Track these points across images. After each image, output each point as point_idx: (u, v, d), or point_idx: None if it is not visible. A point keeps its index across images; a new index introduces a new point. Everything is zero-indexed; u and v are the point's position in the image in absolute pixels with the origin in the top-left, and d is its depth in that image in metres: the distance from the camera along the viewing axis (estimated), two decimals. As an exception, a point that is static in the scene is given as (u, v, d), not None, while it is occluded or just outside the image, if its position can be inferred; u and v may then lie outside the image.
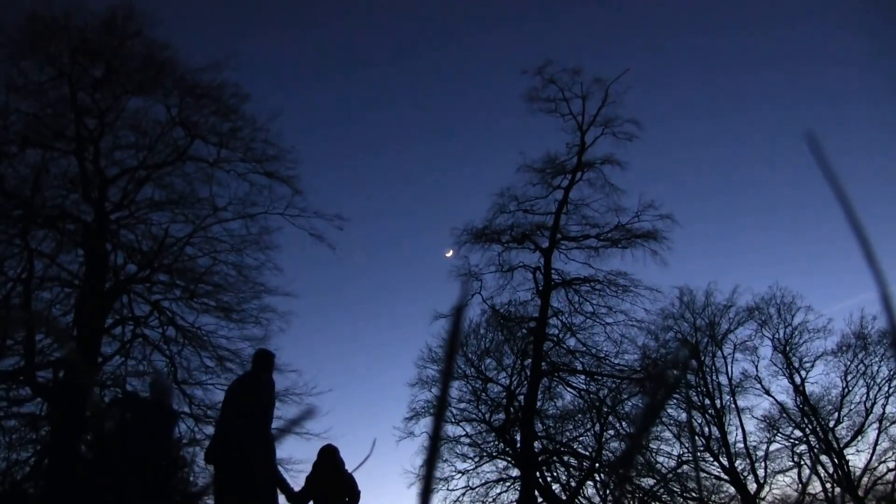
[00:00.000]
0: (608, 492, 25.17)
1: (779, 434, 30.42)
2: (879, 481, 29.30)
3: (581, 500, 25.80)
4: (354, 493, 8.91)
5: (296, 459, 20.49)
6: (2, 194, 18.62)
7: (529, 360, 25.66)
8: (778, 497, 30.78)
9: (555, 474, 25.94)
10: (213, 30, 43.75)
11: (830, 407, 30.14)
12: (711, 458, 29.28)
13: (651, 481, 26.07)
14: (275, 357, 8.33)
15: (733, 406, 30.24)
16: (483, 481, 26.11)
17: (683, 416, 27.04)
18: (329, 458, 9.02)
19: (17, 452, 18.17)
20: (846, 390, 30.02)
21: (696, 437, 29.41)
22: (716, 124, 48.82)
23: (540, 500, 24.39)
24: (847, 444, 29.40)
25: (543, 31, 49.11)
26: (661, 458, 26.61)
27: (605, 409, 26.07)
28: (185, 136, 21.44)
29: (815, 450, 29.58)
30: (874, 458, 29.09)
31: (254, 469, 7.60)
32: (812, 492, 29.66)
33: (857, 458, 29.59)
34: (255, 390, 7.86)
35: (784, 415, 30.39)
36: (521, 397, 25.80)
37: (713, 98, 48.00)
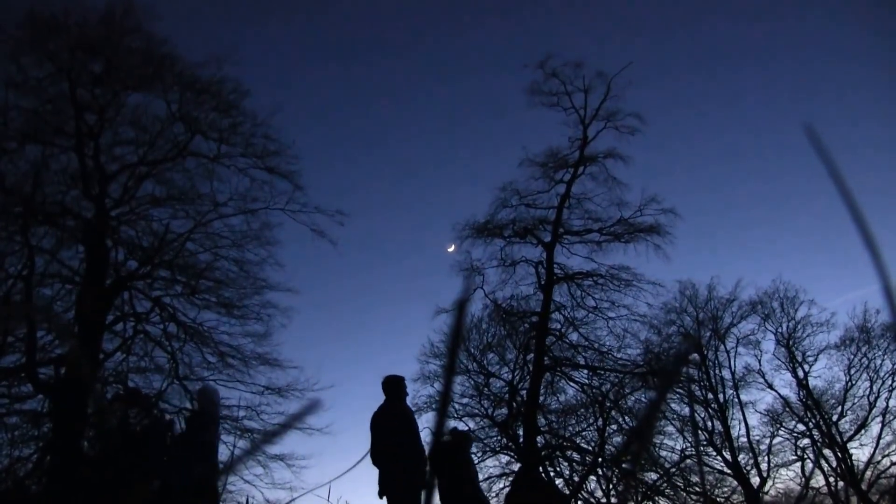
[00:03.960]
0: (611, 486, 25.16)
1: (782, 428, 30.43)
2: (883, 475, 29.29)
3: (584, 494, 25.78)
4: None
5: (298, 455, 20.54)
6: (2, 191, 18.59)
7: (532, 355, 25.62)
8: (781, 491, 30.82)
9: (558, 469, 25.92)
10: (212, 25, 43.71)
11: (833, 401, 30.18)
12: (714, 453, 29.29)
13: (654, 476, 26.05)
14: (404, 380, 8.74)
15: (736, 400, 30.27)
16: (486, 476, 26.08)
17: (686, 410, 27.02)
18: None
19: (19, 449, 18.18)
20: (849, 384, 30.03)
21: (699, 432, 29.39)
22: (718, 118, 48.72)
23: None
24: (850, 438, 29.40)
25: (545, 24, 49.07)
26: (663, 453, 26.61)
27: (608, 404, 26.02)
28: (186, 131, 21.37)
29: (819, 444, 29.56)
30: (877, 451, 29.13)
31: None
32: (815, 485, 29.68)
33: (860, 452, 29.60)
34: (394, 422, 8.42)
35: (787, 409, 30.39)
36: (524, 392, 25.78)
37: (715, 92, 47.95)
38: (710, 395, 29.91)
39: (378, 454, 8.43)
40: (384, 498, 8.29)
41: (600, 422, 26.16)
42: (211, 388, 9.68)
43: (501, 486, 25.89)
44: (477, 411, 27.15)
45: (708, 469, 28.69)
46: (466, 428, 26.85)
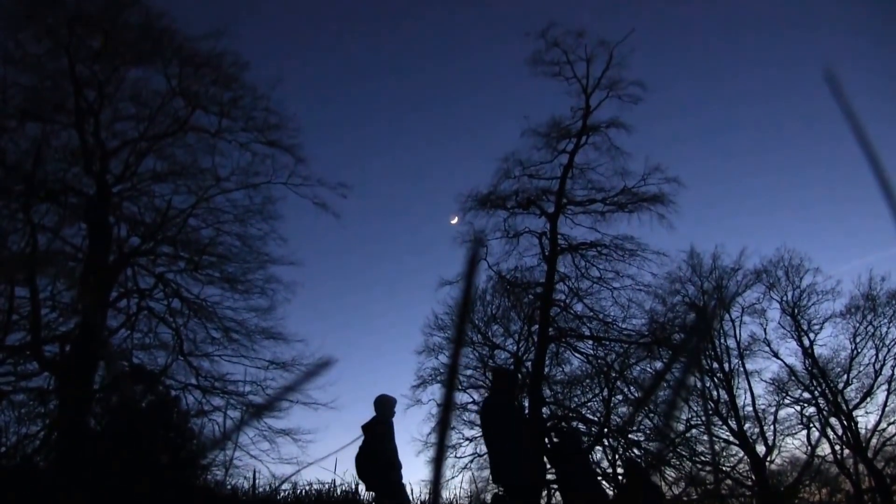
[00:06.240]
0: (617, 456, 25.24)
1: (788, 397, 30.46)
2: (888, 442, 29.35)
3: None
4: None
5: (303, 429, 20.60)
6: (3, 168, 18.53)
7: (536, 326, 25.58)
8: (787, 459, 30.90)
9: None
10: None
11: (839, 369, 30.15)
12: (720, 422, 29.34)
13: (659, 444, 26.08)
14: (514, 373, 9.23)
15: (742, 369, 30.28)
16: (491, 448, 26.14)
17: (692, 379, 26.98)
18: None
19: (26, 426, 18.26)
20: (855, 352, 29.99)
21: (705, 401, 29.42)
22: (721, 86, 48.35)
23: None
24: (856, 406, 29.43)
25: (547, -6, 48.44)
26: (670, 423, 26.60)
27: (614, 374, 26.03)
28: (186, 106, 21.28)
29: (824, 412, 29.59)
30: (883, 419, 29.17)
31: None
32: (821, 454, 29.76)
33: (866, 420, 29.64)
34: (501, 414, 8.75)
35: (793, 378, 30.40)
36: (529, 363, 25.78)
37: (719, 59, 47.51)
38: (716, 365, 29.92)
39: (489, 444, 8.86)
40: (498, 484, 8.69)
41: (606, 392, 26.19)
42: (387, 397, 10.25)
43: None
44: (482, 383, 27.15)
45: (714, 438, 28.76)
46: (472, 399, 26.91)
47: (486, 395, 9.62)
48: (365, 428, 9.75)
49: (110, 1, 20.19)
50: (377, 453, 9.31)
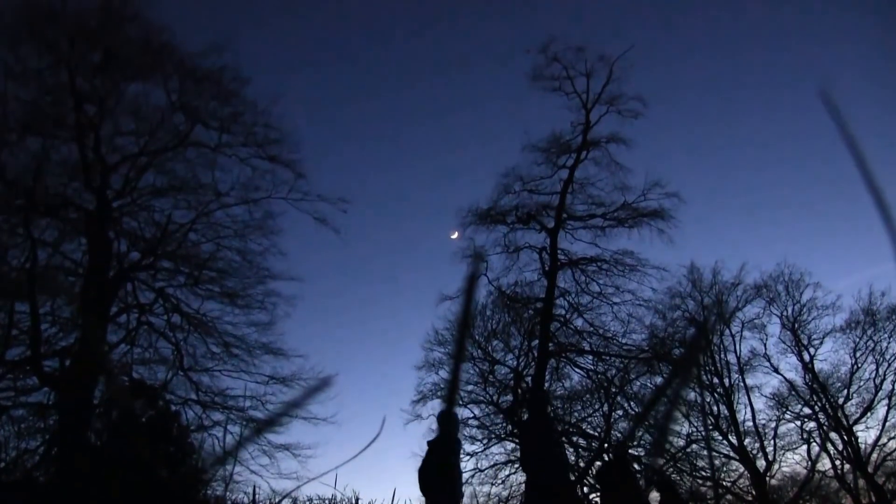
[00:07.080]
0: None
1: (788, 412, 30.38)
2: (889, 458, 29.25)
3: (590, 480, 25.80)
4: None
5: (303, 444, 20.56)
6: (3, 183, 18.55)
7: (537, 341, 25.57)
8: (787, 474, 30.80)
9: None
10: (210, 12, 43.43)
11: (839, 384, 30.05)
12: (720, 437, 29.27)
13: (660, 460, 26.00)
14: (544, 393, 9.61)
15: (742, 384, 30.22)
16: (492, 463, 26.14)
17: (692, 394, 26.98)
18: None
19: (26, 441, 18.23)
20: (855, 367, 29.91)
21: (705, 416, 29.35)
22: (721, 101, 48.49)
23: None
24: (856, 421, 29.33)
25: (547, 8, 48.70)
26: (669, 438, 26.50)
27: (614, 390, 26.00)
28: (186, 121, 21.34)
29: (825, 427, 29.52)
30: (883, 434, 29.08)
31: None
32: (821, 469, 29.66)
33: (866, 435, 29.56)
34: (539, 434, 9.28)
35: (793, 392, 30.32)
36: (529, 378, 25.74)
37: (718, 74, 47.67)
38: (716, 380, 29.87)
39: (525, 463, 9.31)
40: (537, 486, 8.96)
41: (606, 407, 26.15)
42: (451, 411, 10.15)
43: (507, 472, 25.95)
44: (482, 398, 27.12)
45: (714, 453, 28.68)
46: (472, 414, 26.83)
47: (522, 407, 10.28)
48: (431, 443, 9.76)
49: (111, 16, 20.26)
50: (445, 468, 9.33)
